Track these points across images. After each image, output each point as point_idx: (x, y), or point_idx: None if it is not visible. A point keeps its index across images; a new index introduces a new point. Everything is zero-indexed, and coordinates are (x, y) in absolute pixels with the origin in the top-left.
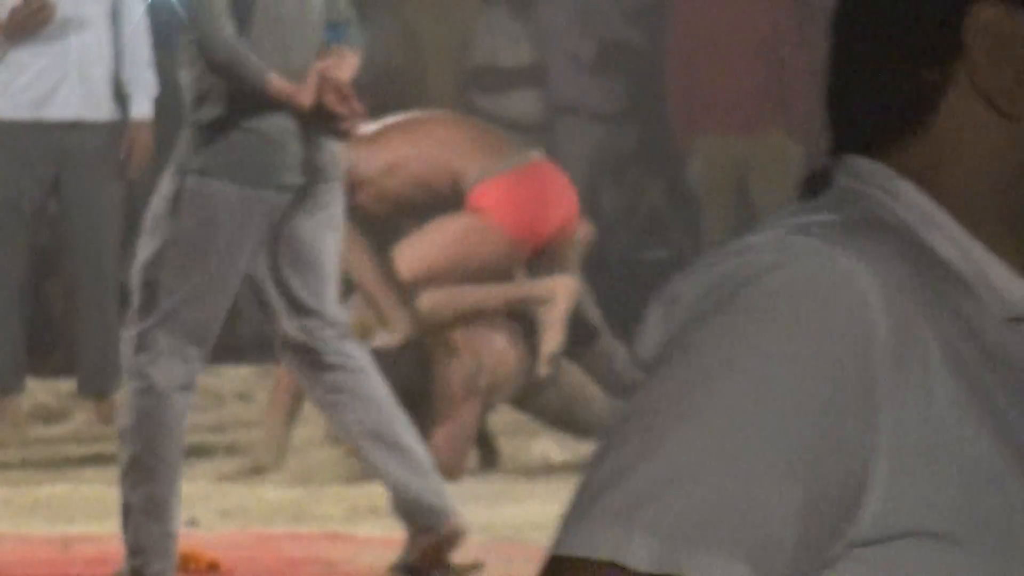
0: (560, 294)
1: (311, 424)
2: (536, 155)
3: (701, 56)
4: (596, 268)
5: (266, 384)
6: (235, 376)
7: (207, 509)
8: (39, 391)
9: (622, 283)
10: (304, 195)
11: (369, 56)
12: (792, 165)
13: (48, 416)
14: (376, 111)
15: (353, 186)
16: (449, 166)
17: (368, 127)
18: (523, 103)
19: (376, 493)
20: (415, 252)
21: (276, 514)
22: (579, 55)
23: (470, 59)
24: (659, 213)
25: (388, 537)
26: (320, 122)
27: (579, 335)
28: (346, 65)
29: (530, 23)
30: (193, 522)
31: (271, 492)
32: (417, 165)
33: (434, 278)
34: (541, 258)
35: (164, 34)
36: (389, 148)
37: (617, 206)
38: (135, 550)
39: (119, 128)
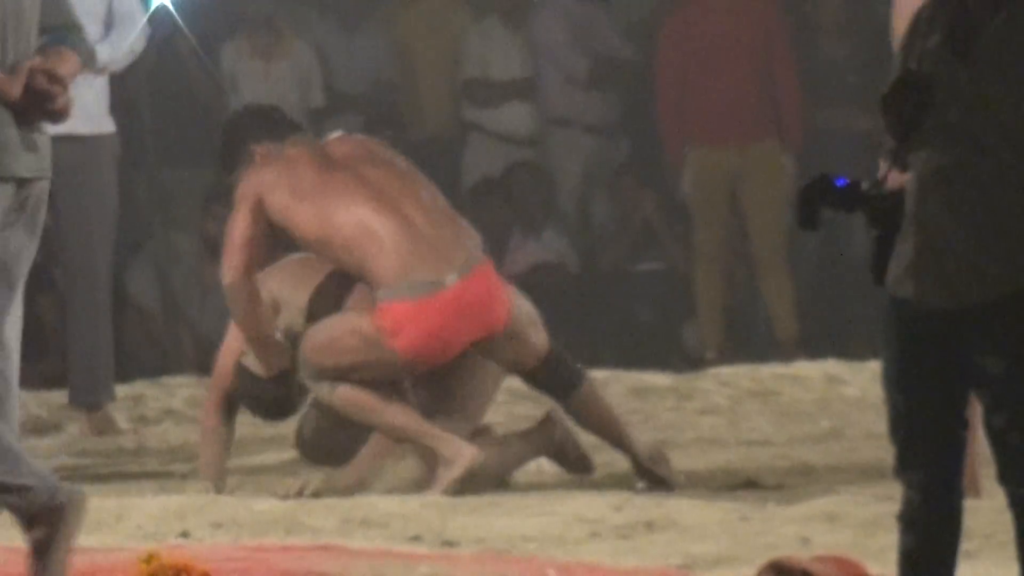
0: (462, 462)
1: None
2: (457, 273)
3: (692, 68)
4: (589, 279)
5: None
6: None
7: (199, 521)
8: (31, 403)
9: (615, 294)
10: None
11: (363, 71)
12: (783, 175)
13: (40, 428)
14: (370, 126)
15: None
16: (357, 261)
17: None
18: (515, 116)
19: (368, 504)
20: (317, 345)
21: (268, 526)
22: (571, 68)
23: (462, 72)
24: (651, 224)
25: (381, 548)
26: (31, 107)
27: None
28: (65, 62)
29: (522, 36)
30: (185, 534)
31: (263, 504)
32: (320, 246)
33: (331, 375)
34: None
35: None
36: (325, 215)
37: (610, 218)
38: None
39: (113, 140)
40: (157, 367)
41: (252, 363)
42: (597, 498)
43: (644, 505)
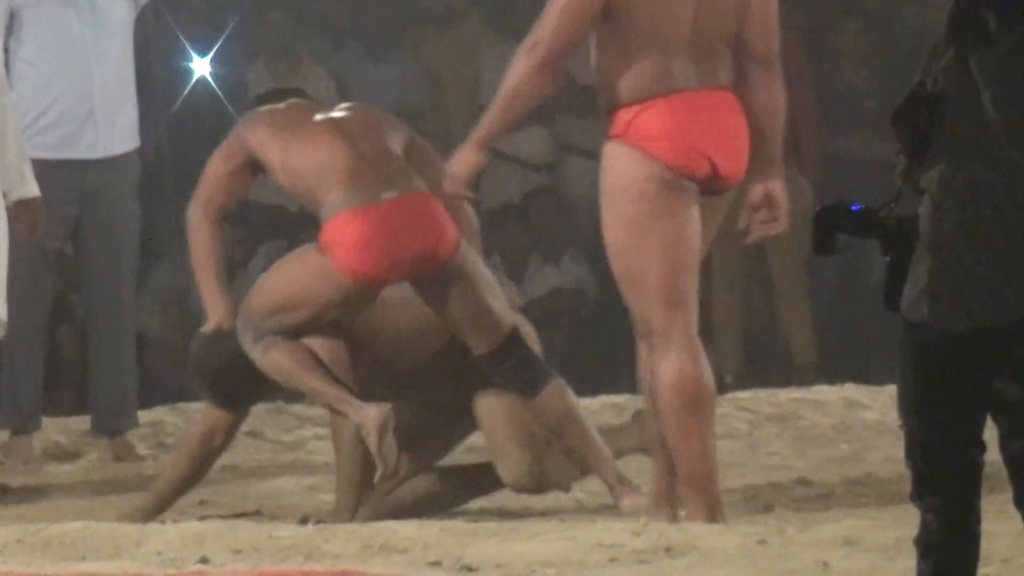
0: (372, 426)
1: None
2: (398, 191)
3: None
4: (607, 305)
5: (278, 420)
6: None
7: (218, 547)
8: (50, 429)
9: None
10: None
11: (388, 98)
12: (801, 200)
13: (60, 455)
14: None
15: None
16: (309, 190)
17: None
18: (533, 142)
19: (388, 530)
20: (264, 287)
21: (288, 552)
22: (586, 94)
23: (480, 98)
24: None
25: (401, 574)
26: None
27: None
28: None
29: None
30: (204, 560)
31: (283, 530)
32: (286, 177)
33: (277, 313)
34: (427, 279)
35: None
36: (278, 144)
37: None
38: None
39: (135, 158)
40: (175, 393)
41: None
42: (616, 523)
43: (663, 530)
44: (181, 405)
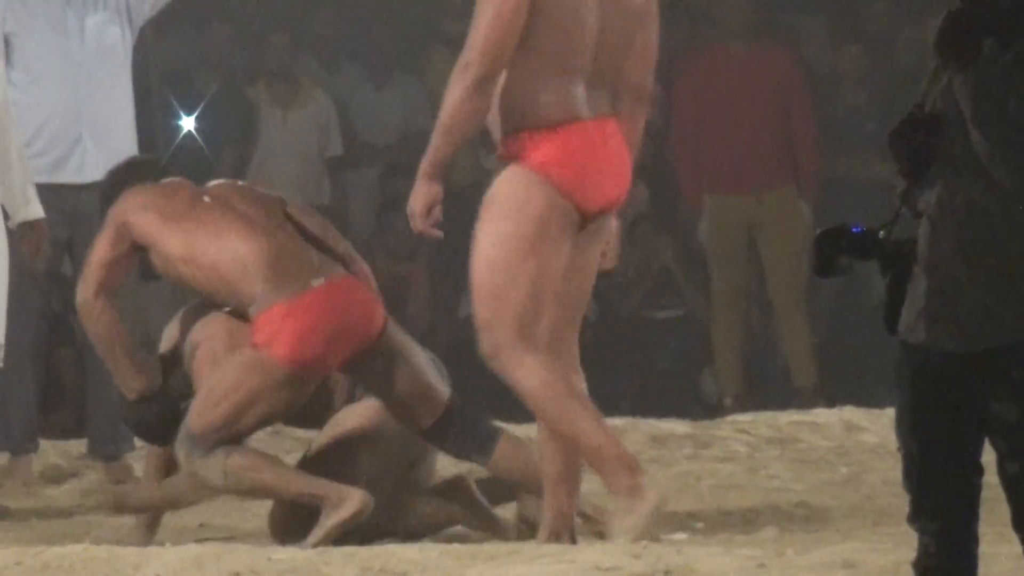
0: (348, 508)
1: None
2: (324, 278)
3: (709, 116)
4: (607, 326)
5: (277, 443)
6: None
7: (217, 570)
8: (49, 452)
9: (633, 341)
10: None
11: (390, 121)
12: (801, 223)
13: (58, 477)
14: (389, 175)
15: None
16: (228, 284)
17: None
18: None
19: (387, 553)
20: (206, 406)
21: (286, 575)
22: None
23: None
24: (669, 272)
25: None
26: None
27: None
28: None
29: None
30: None
31: (282, 553)
32: (191, 269)
33: (229, 425)
34: (360, 362)
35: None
36: (177, 235)
37: (627, 265)
38: None
39: None
40: None
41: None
42: (615, 545)
43: (662, 553)
44: None
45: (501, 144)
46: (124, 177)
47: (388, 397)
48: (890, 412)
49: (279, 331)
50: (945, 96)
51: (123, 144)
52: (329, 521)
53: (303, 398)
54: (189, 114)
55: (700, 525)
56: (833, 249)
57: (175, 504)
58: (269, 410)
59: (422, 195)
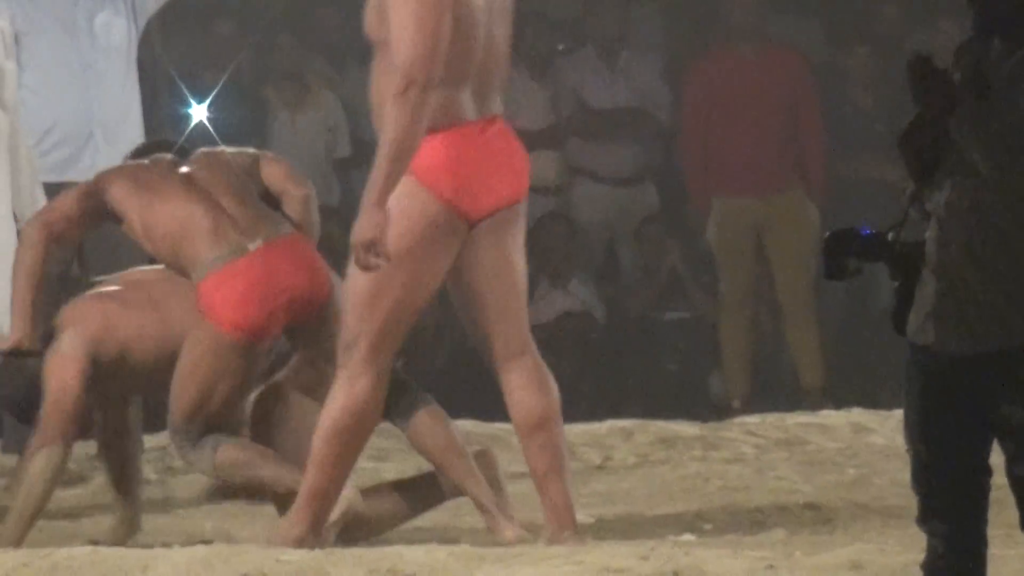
0: (337, 509)
1: None
2: (262, 239)
3: (717, 118)
4: (616, 329)
5: None
6: None
7: (225, 571)
8: None
9: (641, 343)
10: None
11: None
12: (809, 225)
13: (67, 479)
14: None
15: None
16: (173, 251)
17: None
18: (540, 165)
19: (395, 555)
20: (177, 394)
21: None
22: (598, 117)
23: None
24: (677, 274)
25: None
26: None
27: None
28: None
29: (547, 85)
30: None
31: (290, 554)
32: (146, 237)
33: (203, 407)
34: (305, 327)
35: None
36: (139, 203)
37: (636, 267)
38: None
39: None
40: None
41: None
42: (623, 547)
43: (671, 554)
44: None
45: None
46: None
47: (326, 363)
48: (898, 414)
49: (215, 300)
50: (956, 97)
51: (133, 141)
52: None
53: (261, 363)
54: (199, 108)
55: (708, 526)
56: (842, 252)
57: (38, 503)
58: (233, 382)
59: (376, 224)
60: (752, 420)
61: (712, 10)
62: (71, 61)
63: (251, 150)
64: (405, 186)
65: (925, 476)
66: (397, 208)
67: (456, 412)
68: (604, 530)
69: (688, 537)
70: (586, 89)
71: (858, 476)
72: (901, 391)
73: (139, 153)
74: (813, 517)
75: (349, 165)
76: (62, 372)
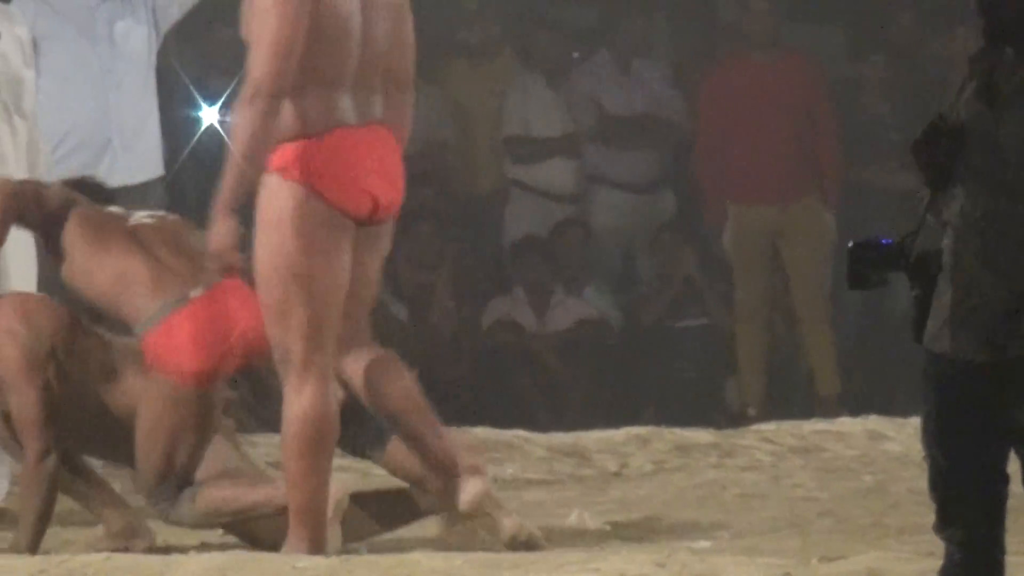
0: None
1: None
2: (203, 287)
3: (732, 125)
4: (631, 336)
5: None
6: None
7: None
8: None
9: (657, 351)
10: None
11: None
12: (824, 232)
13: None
14: (416, 183)
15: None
16: (111, 301)
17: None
18: (557, 173)
19: (412, 562)
20: (143, 456)
21: None
22: (615, 124)
23: (504, 129)
24: (693, 281)
25: None
26: None
27: None
28: None
29: (563, 93)
30: None
31: (306, 561)
32: (82, 280)
33: (173, 463)
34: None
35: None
36: (86, 249)
37: (651, 274)
38: None
39: (159, 186)
40: None
41: None
42: (640, 553)
43: (687, 561)
44: None
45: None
46: (74, 188)
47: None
48: (915, 421)
49: (163, 352)
50: (969, 107)
51: (151, 148)
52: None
53: (217, 406)
54: (210, 111)
55: (725, 534)
56: (864, 262)
57: (49, 496)
58: (196, 431)
59: (229, 232)
60: (768, 427)
61: (728, 17)
62: (90, 67)
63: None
64: (288, 190)
65: (942, 483)
66: (283, 213)
67: (472, 419)
68: (620, 537)
69: (704, 544)
70: (603, 96)
71: (874, 483)
72: (918, 398)
73: (72, 185)
74: (829, 524)
75: None
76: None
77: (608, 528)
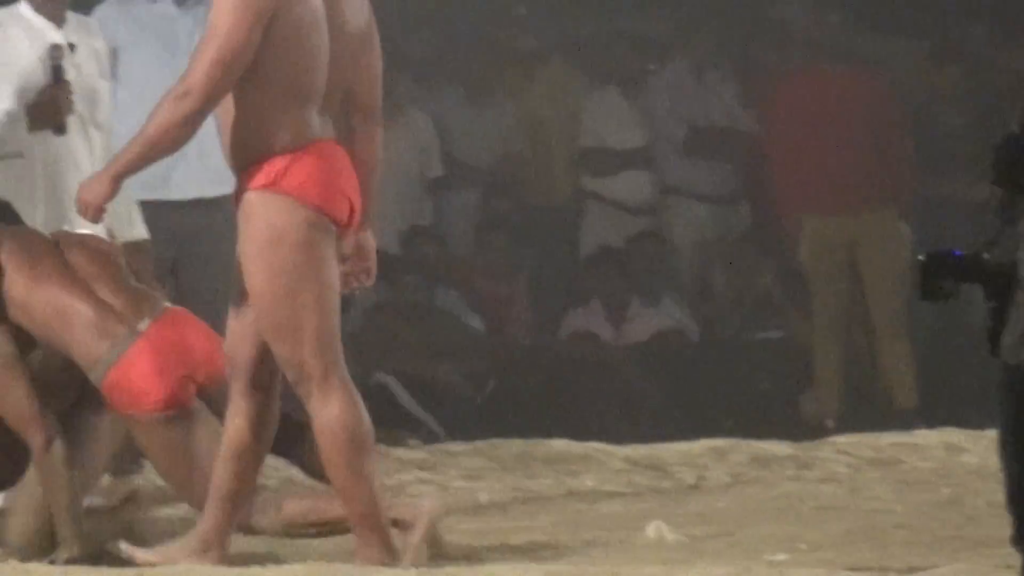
0: (423, 520)
1: None
2: (149, 318)
3: (806, 137)
4: (708, 348)
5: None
6: None
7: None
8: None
9: (734, 363)
10: None
11: (488, 142)
12: (900, 243)
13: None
14: (489, 195)
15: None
16: (61, 341)
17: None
18: (633, 185)
19: (487, 574)
20: (187, 493)
21: None
22: (688, 137)
23: (580, 141)
24: (770, 293)
25: None
26: None
27: None
28: None
29: (639, 105)
30: None
31: (387, 572)
32: (25, 318)
33: (198, 488)
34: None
35: None
36: (23, 282)
37: (729, 287)
38: None
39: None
40: None
41: None
42: (717, 566)
43: (764, 573)
44: None
45: (242, 175)
46: None
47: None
48: (992, 434)
49: (124, 391)
50: None
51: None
52: (413, 538)
53: (193, 422)
54: None
55: (802, 546)
56: (938, 274)
57: (71, 498)
58: (195, 453)
59: (102, 193)
60: (845, 440)
61: (801, 28)
62: (166, 77)
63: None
64: (278, 203)
65: (1020, 496)
66: (277, 226)
67: (549, 432)
68: (698, 550)
69: (782, 557)
70: (678, 108)
71: (952, 496)
72: (995, 411)
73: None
74: (906, 537)
75: (441, 185)
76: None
77: (686, 540)
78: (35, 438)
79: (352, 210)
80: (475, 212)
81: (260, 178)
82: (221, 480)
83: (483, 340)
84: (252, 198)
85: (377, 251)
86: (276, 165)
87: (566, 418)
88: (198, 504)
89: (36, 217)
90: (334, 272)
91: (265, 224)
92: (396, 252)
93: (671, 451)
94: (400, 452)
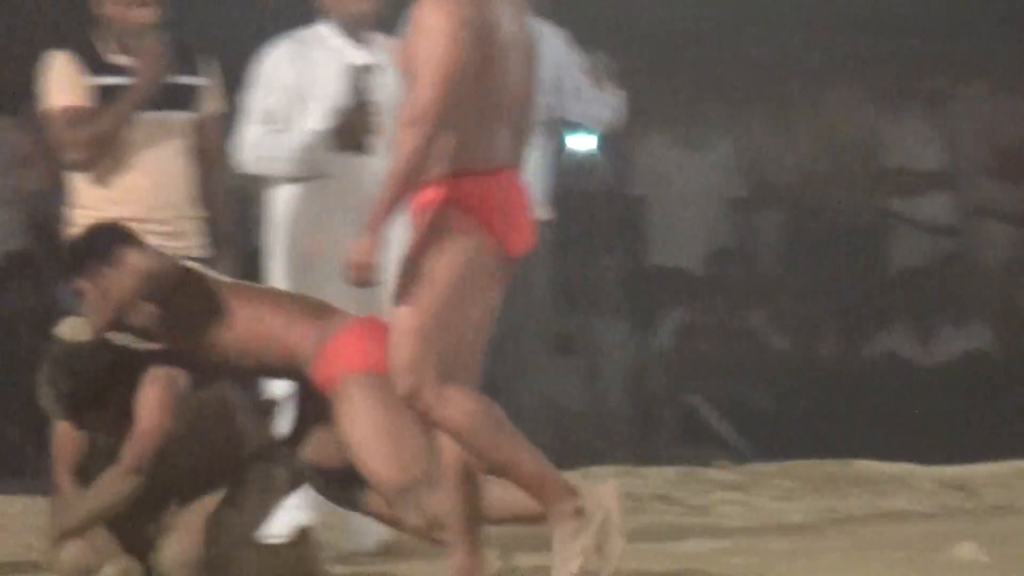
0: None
1: None
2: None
3: None
4: (1018, 369)
5: (688, 484)
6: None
7: None
8: None
9: None
10: None
11: (793, 163)
12: None
13: None
14: (793, 216)
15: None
16: (284, 346)
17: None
18: (936, 206)
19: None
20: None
21: None
22: (994, 157)
23: (882, 162)
24: None
25: None
26: None
27: None
28: None
29: (940, 126)
30: None
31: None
32: (248, 337)
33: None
34: None
35: None
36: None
37: None
38: None
39: None
40: None
41: (70, 330)
42: None
43: None
44: None
45: (427, 187)
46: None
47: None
48: None
49: (341, 354)
50: None
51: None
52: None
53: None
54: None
55: None
56: None
57: (112, 504)
58: (394, 420)
59: (375, 248)
60: None
61: None
62: None
63: None
64: (456, 221)
65: None
66: (451, 242)
67: (856, 452)
68: (1000, 569)
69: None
70: (983, 128)
71: None
72: None
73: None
74: None
75: (745, 206)
76: (160, 407)
77: (987, 560)
78: (133, 456)
79: (526, 241)
80: (780, 233)
81: (445, 194)
82: (457, 509)
83: (790, 360)
84: (429, 211)
85: (682, 273)
86: (464, 184)
87: (874, 438)
88: (385, 475)
89: (341, 239)
90: (486, 302)
91: (446, 236)
92: (701, 274)
93: (980, 472)
94: (709, 472)
